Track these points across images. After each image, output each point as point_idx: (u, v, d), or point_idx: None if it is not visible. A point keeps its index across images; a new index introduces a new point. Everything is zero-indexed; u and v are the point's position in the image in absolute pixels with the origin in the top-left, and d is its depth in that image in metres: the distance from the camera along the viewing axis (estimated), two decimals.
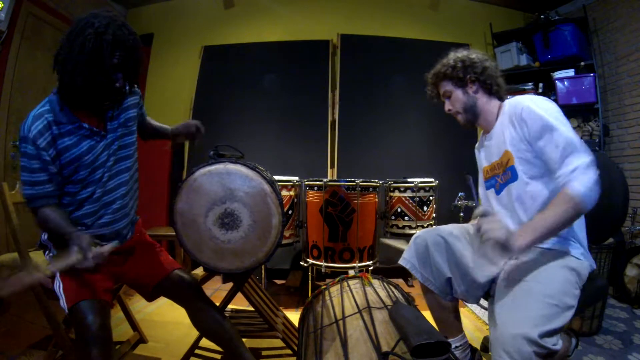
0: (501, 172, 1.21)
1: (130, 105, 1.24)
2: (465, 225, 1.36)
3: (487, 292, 1.20)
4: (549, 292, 0.92)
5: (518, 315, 0.88)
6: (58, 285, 1.06)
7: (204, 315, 1.26)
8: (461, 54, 1.26)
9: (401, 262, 1.30)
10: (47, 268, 0.93)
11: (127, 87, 1.14)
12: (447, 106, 1.30)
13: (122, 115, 1.20)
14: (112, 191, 1.17)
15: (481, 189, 1.41)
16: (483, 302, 1.37)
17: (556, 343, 0.85)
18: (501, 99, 1.26)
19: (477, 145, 1.40)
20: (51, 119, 1.03)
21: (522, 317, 0.86)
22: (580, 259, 1.06)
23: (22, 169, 1.03)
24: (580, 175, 0.94)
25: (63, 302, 1.02)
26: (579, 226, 1.12)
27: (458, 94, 1.25)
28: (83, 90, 1.03)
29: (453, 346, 1.26)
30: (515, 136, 1.12)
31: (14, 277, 0.85)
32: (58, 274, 1.08)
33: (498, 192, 1.24)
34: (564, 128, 1.01)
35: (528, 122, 1.07)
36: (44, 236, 1.17)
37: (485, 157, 1.31)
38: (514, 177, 1.15)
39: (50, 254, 1.14)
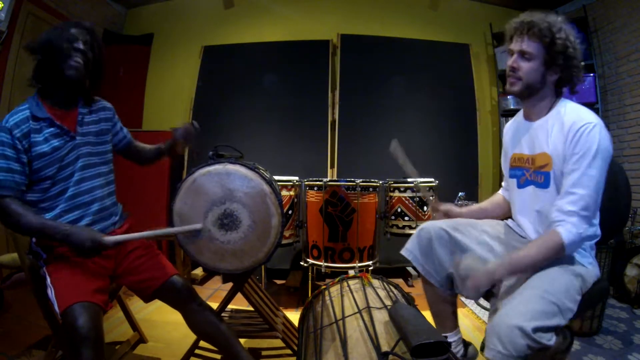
0: (532, 169, 1.14)
1: (104, 119, 1.30)
2: (470, 220, 1.33)
3: (488, 291, 1.19)
4: (550, 289, 0.92)
5: (515, 307, 0.88)
6: (50, 291, 1.06)
7: (199, 318, 1.26)
8: (572, 34, 1.06)
9: (403, 252, 1.28)
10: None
11: (92, 83, 1.22)
12: (514, 63, 1.09)
13: (94, 126, 1.25)
14: (87, 192, 1.20)
15: (504, 166, 1.34)
16: (483, 302, 1.37)
17: (550, 339, 0.85)
18: (560, 95, 1.14)
19: (510, 122, 1.30)
20: (29, 114, 1.10)
21: (519, 309, 0.87)
22: (587, 267, 1.05)
23: None
24: (575, 222, 0.97)
25: (56, 307, 1.03)
26: (596, 234, 1.09)
27: (536, 65, 1.06)
28: (47, 68, 1.11)
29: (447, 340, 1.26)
30: (561, 147, 1.05)
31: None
32: (49, 281, 1.08)
33: (521, 186, 1.19)
34: (597, 170, 0.98)
35: (579, 140, 1.00)
36: (32, 241, 1.18)
37: (517, 142, 1.22)
38: (545, 183, 1.09)
39: (41, 259, 1.15)
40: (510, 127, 1.30)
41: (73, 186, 1.17)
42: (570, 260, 1.04)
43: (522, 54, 1.08)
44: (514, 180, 1.22)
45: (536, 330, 0.82)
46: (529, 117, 1.18)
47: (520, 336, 0.82)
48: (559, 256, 0.99)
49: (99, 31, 3.39)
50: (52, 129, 1.13)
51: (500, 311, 0.89)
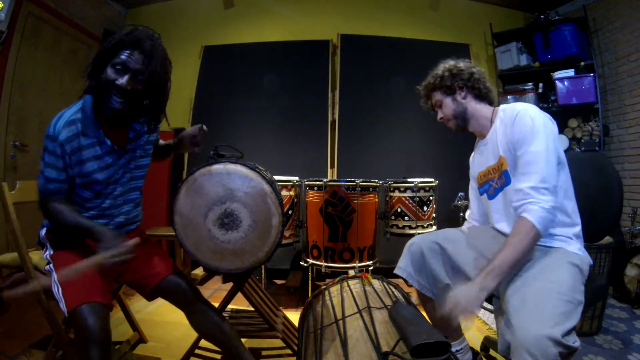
0: (497, 176, 1.21)
1: (154, 130, 1.31)
2: (459, 229, 1.36)
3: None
4: (561, 289, 0.91)
5: (537, 316, 0.85)
6: (57, 289, 1.05)
7: (202, 318, 1.26)
8: (448, 64, 1.30)
9: (397, 271, 1.31)
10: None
11: (149, 110, 1.20)
12: (439, 115, 1.35)
13: (143, 138, 1.26)
14: (120, 206, 1.24)
15: (473, 196, 1.42)
16: (484, 302, 1.36)
17: (576, 340, 0.83)
18: (492, 103, 1.29)
19: (472, 154, 1.42)
20: (80, 129, 1.10)
21: (541, 317, 0.84)
22: (579, 254, 1.07)
23: (45, 164, 1.08)
24: (536, 197, 1.00)
25: (63, 306, 1.02)
26: (575, 222, 1.13)
27: (447, 101, 1.30)
28: (93, 86, 1.09)
29: (454, 350, 1.25)
30: (505, 141, 1.15)
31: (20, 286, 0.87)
32: (55, 277, 1.07)
33: (491, 197, 1.24)
34: (540, 144, 1.04)
35: (516, 128, 1.10)
36: (42, 233, 1.18)
37: (480, 162, 1.32)
38: (507, 181, 1.16)
39: (48, 253, 1.15)
40: (473, 155, 1.42)
41: (111, 200, 1.20)
42: (563, 252, 1.05)
43: (437, 105, 1.34)
44: (485, 196, 1.29)
45: (564, 334, 0.80)
46: (481, 136, 1.32)
47: (552, 345, 0.79)
48: (537, 239, 1.00)
49: (99, 31, 3.39)
50: (102, 147, 1.14)
51: (521, 323, 0.86)
